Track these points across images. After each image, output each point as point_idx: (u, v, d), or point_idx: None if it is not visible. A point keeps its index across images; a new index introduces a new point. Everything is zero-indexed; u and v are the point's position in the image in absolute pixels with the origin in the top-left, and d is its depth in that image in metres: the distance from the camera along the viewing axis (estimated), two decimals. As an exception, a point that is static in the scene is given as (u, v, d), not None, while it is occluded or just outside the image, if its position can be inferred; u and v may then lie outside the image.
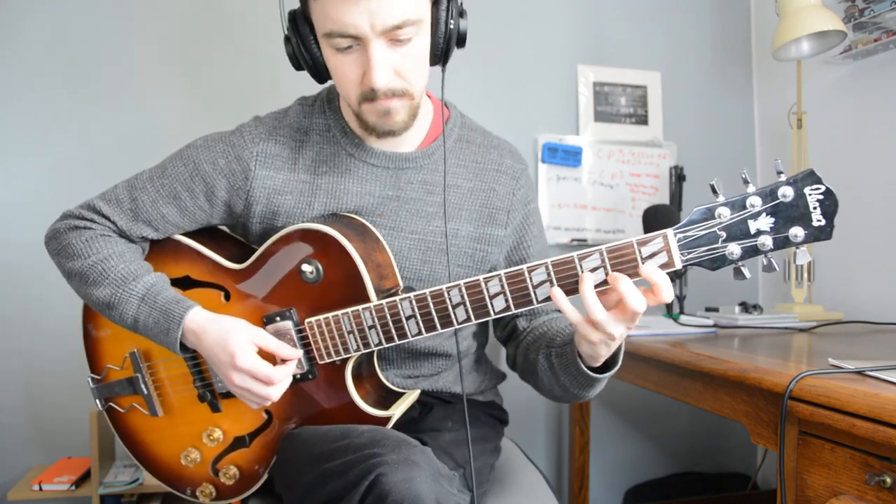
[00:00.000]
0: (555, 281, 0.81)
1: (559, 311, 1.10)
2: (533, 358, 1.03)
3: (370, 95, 0.90)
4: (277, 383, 0.92)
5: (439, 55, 0.95)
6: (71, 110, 1.75)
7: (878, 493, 0.84)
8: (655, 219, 1.61)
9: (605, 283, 0.80)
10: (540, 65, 2.07)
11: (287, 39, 0.95)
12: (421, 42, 0.91)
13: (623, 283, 0.77)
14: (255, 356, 0.91)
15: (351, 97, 0.93)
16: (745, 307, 1.70)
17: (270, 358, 0.94)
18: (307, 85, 1.08)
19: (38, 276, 1.65)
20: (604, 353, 0.86)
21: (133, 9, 1.79)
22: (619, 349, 0.90)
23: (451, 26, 0.94)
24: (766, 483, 2.19)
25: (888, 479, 0.83)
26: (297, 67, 0.97)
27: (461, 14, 0.95)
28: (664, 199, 2.11)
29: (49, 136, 1.74)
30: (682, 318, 1.68)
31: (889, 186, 1.74)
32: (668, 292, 0.77)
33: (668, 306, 1.76)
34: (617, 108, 2.12)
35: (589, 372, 0.90)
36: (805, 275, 1.80)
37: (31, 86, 1.73)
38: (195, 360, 1.03)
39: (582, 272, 0.80)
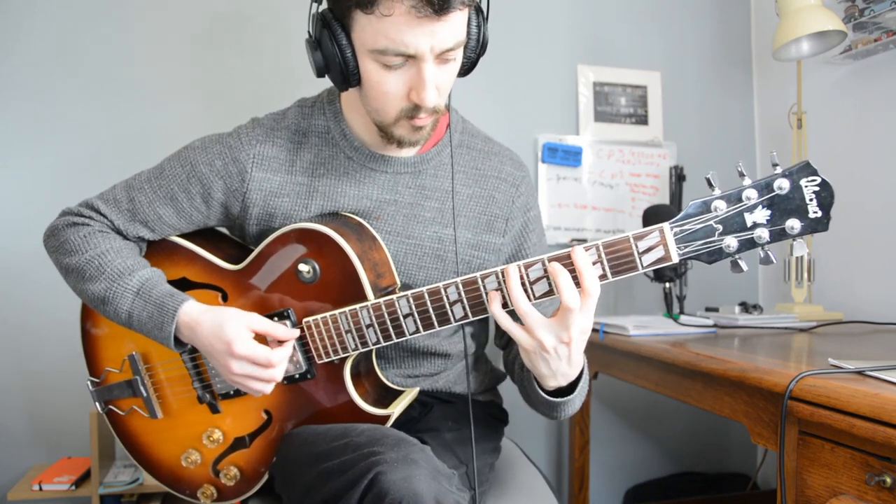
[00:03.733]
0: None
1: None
2: (518, 368, 1.05)
3: (412, 112, 0.90)
4: (277, 365, 0.91)
5: (467, 68, 0.96)
6: (72, 112, 1.75)
7: (878, 493, 0.84)
8: (655, 218, 1.61)
9: (601, 276, 0.80)
10: (540, 65, 2.07)
11: (317, 45, 0.89)
12: (460, 60, 0.92)
13: (562, 277, 0.78)
14: (252, 341, 0.91)
15: (389, 112, 0.91)
16: (745, 307, 1.69)
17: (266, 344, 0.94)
18: (311, 87, 1.08)
19: (38, 277, 1.65)
20: (543, 370, 0.85)
21: (136, 9, 1.79)
22: (578, 379, 0.90)
23: (480, 41, 0.94)
24: (766, 483, 2.19)
25: (888, 479, 0.83)
26: (321, 74, 0.92)
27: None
28: (664, 199, 2.11)
29: (50, 137, 1.74)
30: (682, 318, 1.67)
31: (889, 187, 1.74)
32: (590, 282, 0.78)
33: (669, 306, 1.75)
34: (617, 108, 2.12)
35: (539, 391, 0.91)
36: (805, 275, 1.79)
37: (32, 86, 1.73)
38: (194, 362, 1.03)
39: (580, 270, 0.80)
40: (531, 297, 0.82)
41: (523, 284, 0.82)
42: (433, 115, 0.92)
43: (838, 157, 1.88)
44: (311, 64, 0.91)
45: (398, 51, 0.83)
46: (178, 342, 0.96)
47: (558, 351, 0.82)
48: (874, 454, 0.85)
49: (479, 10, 0.93)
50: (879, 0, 1.65)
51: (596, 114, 2.10)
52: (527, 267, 0.82)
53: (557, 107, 2.08)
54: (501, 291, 0.83)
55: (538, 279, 0.81)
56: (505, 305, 0.84)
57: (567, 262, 0.80)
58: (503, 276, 0.83)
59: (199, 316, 0.93)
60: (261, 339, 0.93)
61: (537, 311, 0.81)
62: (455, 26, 0.84)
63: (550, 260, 0.81)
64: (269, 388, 0.94)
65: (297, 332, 0.95)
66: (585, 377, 0.91)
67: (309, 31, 0.92)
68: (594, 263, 0.80)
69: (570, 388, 0.91)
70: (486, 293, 0.84)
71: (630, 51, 2.14)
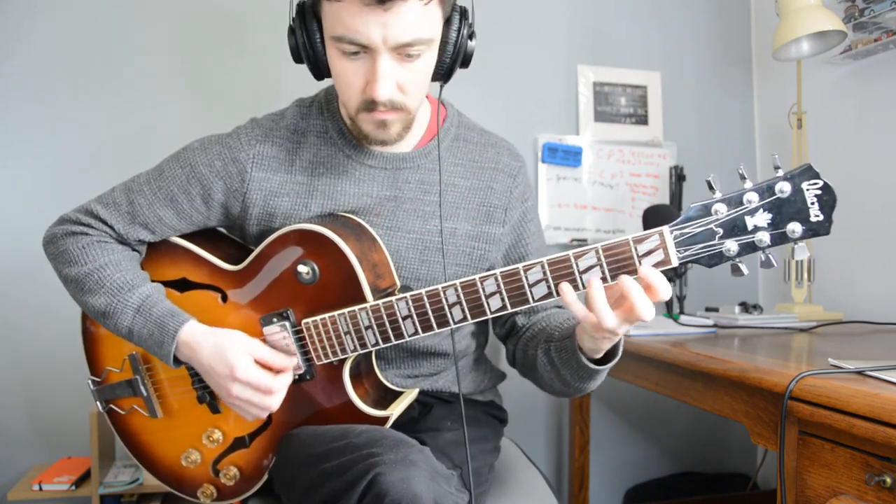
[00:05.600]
0: (551, 280, 0.81)
1: (560, 307, 1.10)
2: (532, 354, 1.03)
3: (370, 105, 0.90)
4: (276, 393, 0.93)
5: (443, 74, 0.96)
6: (72, 112, 1.75)
7: (878, 493, 0.84)
8: (655, 219, 1.61)
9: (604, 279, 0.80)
10: (540, 65, 2.07)
11: (291, 31, 0.94)
12: (428, 60, 0.91)
13: (636, 293, 0.76)
14: (254, 366, 0.92)
15: (350, 103, 0.92)
16: (745, 307, 1.69)
17: (266, 369, 0.94)
18: (309, 86, 1.08)
19: (38, 277, 1.65)
20: (606, 347, 0.87)
21: (135, 9, 1.79)
22: (619, 340, 0.90)
23: (460, 48, 0.94)
24: (766, 483, 2.19)
25: (888, 479, 0.83)
26: (297, 61, 0.96)
27: (471, 36, 0.96)
28: (664, 199, 2.11)
29: (49, 138, 1.74)
30: (683, 318, 1.67)
31: (889, 187, 1.74)
32: (665, 292, 0.77)
33: (669, 306, 1.75)
34: (617, 108, 2.12)
35: (590, 364, 0.90)
36: (805, 275, 1.79)
37: (32, 86, 1.73)
38: (194, 362, 1.03)
39: (580, 273, 0.80)
40: (581, 286, 0.81)
41: (573, 276, 0.81)
42: (395, 111, 0.91)
43: (838, 157, 1.88)
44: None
45: (352, 38, 0.84)
46: (178, 360, 0.97)
47: (621, 330, 0.82)
48: (874, 454, 0.85)
49: (463, 16, 0.93)
50: (879, 0, 1.65)
51: (596, 114, 2.10)
52: (577, 257, 0.80)
53: (557, 107, 2.08)
54: (547, 283, 0.82)
55: (592, 267, 0.80)
56: (549, 295, 0.82)
57: (621, 259, 0.79)
58: (552, 272, 0.81)
59: (200, 338, 0.94)
60: (261, 364, 0.94)
61: (616, 319, 0.79)
62: (410, 20, 0.83)
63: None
64: (263, 415, 0.95)
65: (294, 361, 0.95)
66: (622, 339, 0.90)
67: (291, 19, 0.94)
68: (592, 267, 0.80)
69: (612, 351, 0.91)
70: (558, 290, 0.81)
71: (630, 51, 2.14)
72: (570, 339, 0.91)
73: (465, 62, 0.97)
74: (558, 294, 0.81)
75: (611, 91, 2.12)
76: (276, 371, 0.94)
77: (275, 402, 0.93)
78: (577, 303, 0.81)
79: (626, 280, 0.77)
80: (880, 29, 1.68)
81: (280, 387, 0.93)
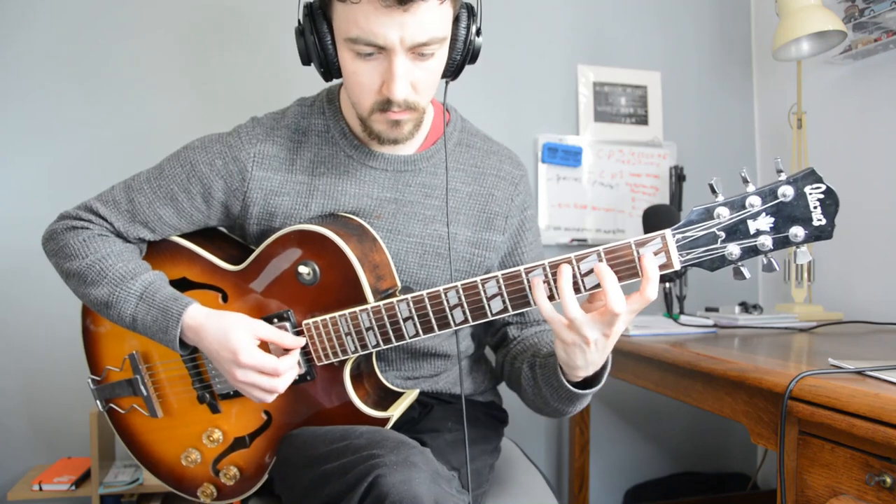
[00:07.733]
0: (552, 282, 0.81)
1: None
2: (518, 367, 1.04)
3: (384, 106, 0.90)
4: (283, 374, 0.91)
5: (452, 71, 0.96)
6: (72, 111, 1.75)
7: (878, 493, 0.84)
8: (655, 219, 1.61)
9: (597, 286, 0.79)
10: (540, 65, 2.07)
11: (300, 33, 0.93)
12: (440, 58, 0.91)
13: (609, 279, 0.76)
14: (257, 350, 0.90)
15: (364, 104, 0.92)
16: (745, 307, 1.69)
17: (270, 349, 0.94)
18: (310, 86, 1.08)
19: (38, 277, 1.65)
20: (579, 362, 0.83)
21: (137, 7, 1.79)
22: (603, 367, 0.88)
23: (470, 45, 0.94)
24: (766, 483, 2.19)
25: (888, 479, 0.83)
26: (306, 63, 0.95)
27: (478, 32, 0.96)
28: (664, 199, 2.11)
29: (49, 137, 1.74)
30: (683, 318, 1.67)
31: (889, 187, 1.74)
32: (652, 290, 0.76)
33: (669, 306, 1.75)
34: (617, 108, 2.12)
35: (567, 384, 0.89)
36: (805, 275, 1.79)
37: (32, 85, 1.73)
38: (194, 362, 1.03)
39: (581, 276, 0.80)
40: (582, 288, 0.80)
41: (574, 278, 0.80)
42: (409, 111, 0.92)
43: (838, 158, 1.88)
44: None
45: (368, 40, 0.84)
46: (183, 344, 0.96)
47: (598, 344, 0.81)
48: (874, 454, 0.85)
49: (470, 13, 0.94)
50: (879, 0, 1.65)
51: (596, 114, 2.10)
52: (578, 260, 0.80)
53: (557, 107, 2.08)
54: (549, 284, 0.81)
55: (588, 272, 0.80)
56: (551, 298, 0.81)
57: (623, 262, 0.78)
58: (553, 274, 0.80)
59: (204, 321, 0.93)
60: (264, 345, 0.93)
61: (582, 311, 0.78)
62: (426, 20, 0.83)
63: (605, 254, 0.79)
64: (271, 398, 0.93)
65: (302, 341, 0.94)
66: (609, 365, 0.89)
67: (298, 20, 0.94)
68: (593, 271, 0.79)
69: (595, 378, 0.90)
70: (529, 284, 0.81)
71: (630, 51, 2.14)
72: (554, 356, 0.91)
73: (473, 58, 0.98)
74: (559, 297, 0.80)
75: (611, 91, 2.12)
76: (285, 350, 0.93)
77: (281, 384, 0.91)
78: (546, 302, 0.80)
79: (605, 268, 0.77)
80: (880, 29, 1.68)
81: (286, 367, 0.91)
